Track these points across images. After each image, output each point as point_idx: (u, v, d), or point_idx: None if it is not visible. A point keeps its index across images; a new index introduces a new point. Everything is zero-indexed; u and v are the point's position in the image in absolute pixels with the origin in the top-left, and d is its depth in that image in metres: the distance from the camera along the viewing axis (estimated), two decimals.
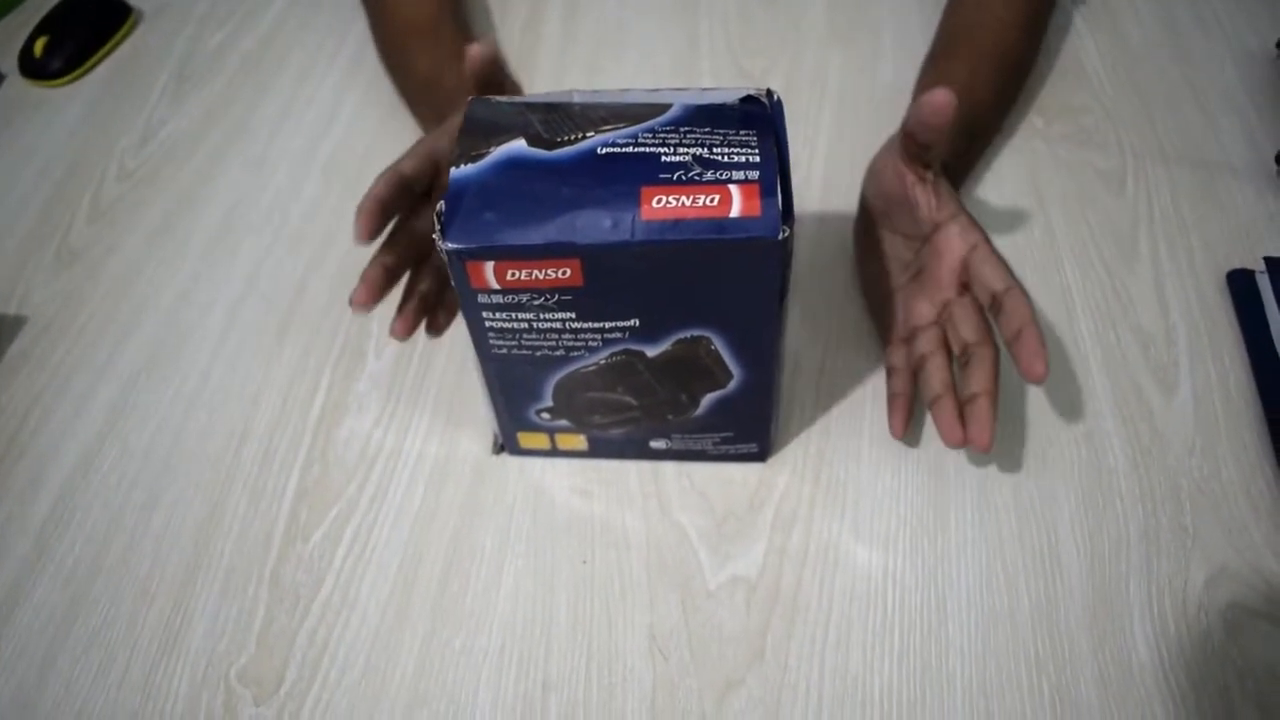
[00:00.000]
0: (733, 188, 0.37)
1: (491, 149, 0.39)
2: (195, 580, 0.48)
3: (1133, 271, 0.59)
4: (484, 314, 0.41)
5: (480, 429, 0.53)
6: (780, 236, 0.37)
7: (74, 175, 0.69)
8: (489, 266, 0.38)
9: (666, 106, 0.41)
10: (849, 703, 0.44)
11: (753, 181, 0.38)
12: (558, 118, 0.41)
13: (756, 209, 0.37)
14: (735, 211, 0.37)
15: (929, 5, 0.69)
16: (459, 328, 0.57)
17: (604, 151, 0.39)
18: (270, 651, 0.46)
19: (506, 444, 0.51)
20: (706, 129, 0.40)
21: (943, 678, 0.44)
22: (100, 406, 0.56)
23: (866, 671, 0.44)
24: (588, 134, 0.40)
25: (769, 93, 0.41)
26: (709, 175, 0.38)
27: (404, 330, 0.47)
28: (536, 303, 0.40)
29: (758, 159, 0.38)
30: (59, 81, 0.75)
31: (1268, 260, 0.57)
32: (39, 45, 0.75)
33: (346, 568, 0.48)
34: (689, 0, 0.78)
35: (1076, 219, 0.62)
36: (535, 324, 0.41)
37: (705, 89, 0.42)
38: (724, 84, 0.71)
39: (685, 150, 0.39)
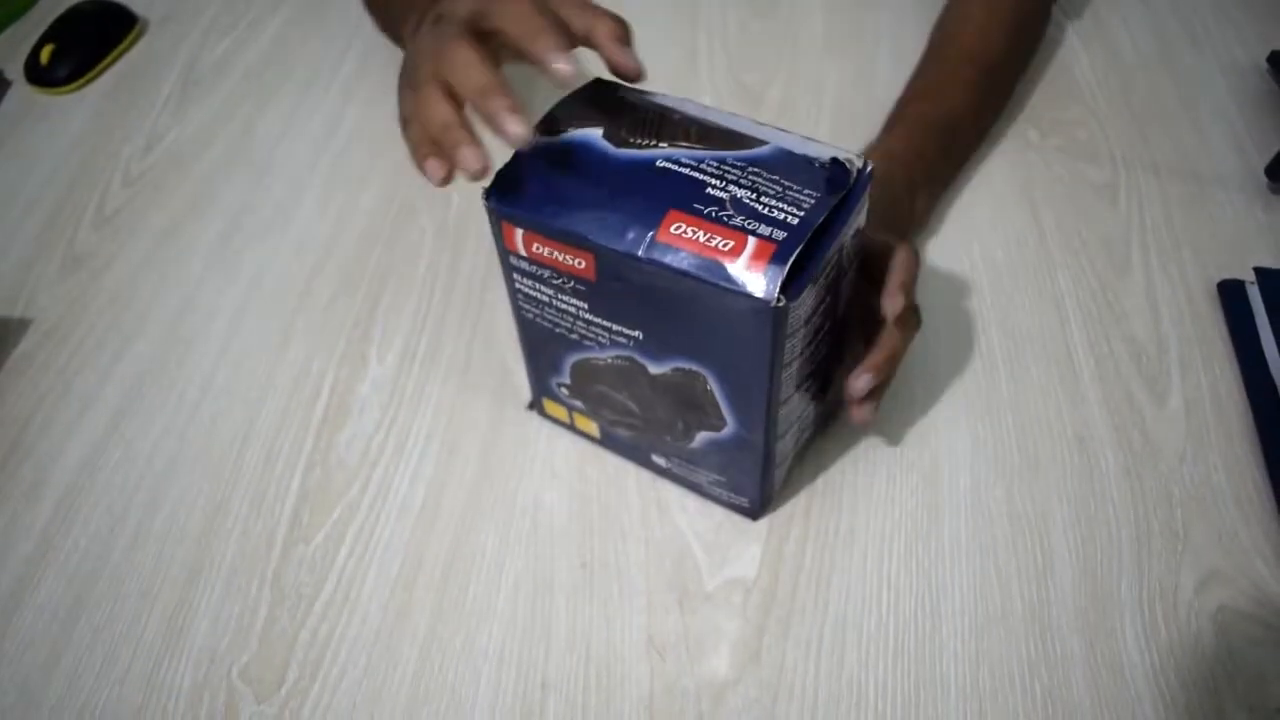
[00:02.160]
0: (751, 240, 0.37)
1: (569, 130, 0.41)
2: (198, 580, 0.49)
3: (1125, 282, 0.60)
4: (514, 276, 0.43)
5: (480, 433, 0.54)
6: (773, 304, 0.36)
7: (79, 181, 0.69)
8: (519, 233, 0.41)
9: (760, 143, 0.40)
10: (844, 704, 0.44)
11: (773, 240, 0.37)
12: (646, 120, 0.42)
13: (761, 268, 0.36)
14: (741, 263, 0.36)
15: (925, 17, 0.70)
16: (458, 335, 0.58)
17: (661, 165, 0.39)
18: (272, 650, 0.46)
19: (535, 403, 0.53)
20: (775, 176, 0.39)
21: (937, 680, 0.45)
22: (104, 409, 0.56)
23: (862, 673, 0.45)
24: (660, 144, 0.40)
25: (865, 163, 0.40)
26: (737, 220, 0.37)
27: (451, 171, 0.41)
28: (555, 282, 0.42)
29: (795, 222, 0.37)
30: (65, 89, 0.76)
31: (1258, 271, 0.58)
32: (45, 53, 0.76)
33: (348, 568, 0.49)
34: (688, 14, 0.79)
35: (1069, 230, 0.62)
36: (554, 301, 0.43)
37: (809, 139, 0.41)
38: (722, 97, 0.72)
39: (734, 189, 0.38)
